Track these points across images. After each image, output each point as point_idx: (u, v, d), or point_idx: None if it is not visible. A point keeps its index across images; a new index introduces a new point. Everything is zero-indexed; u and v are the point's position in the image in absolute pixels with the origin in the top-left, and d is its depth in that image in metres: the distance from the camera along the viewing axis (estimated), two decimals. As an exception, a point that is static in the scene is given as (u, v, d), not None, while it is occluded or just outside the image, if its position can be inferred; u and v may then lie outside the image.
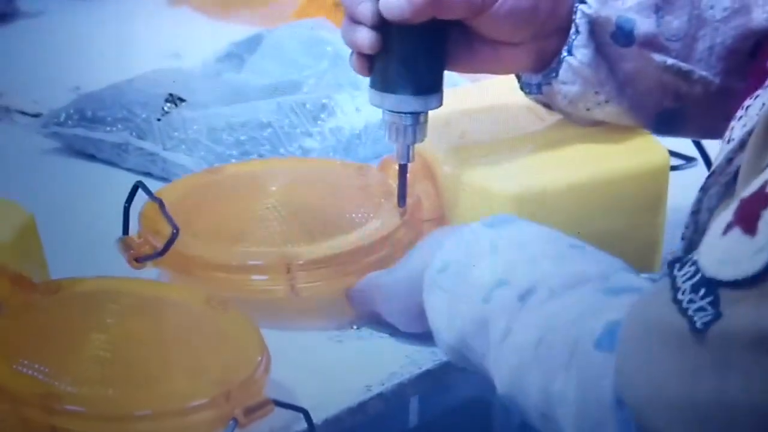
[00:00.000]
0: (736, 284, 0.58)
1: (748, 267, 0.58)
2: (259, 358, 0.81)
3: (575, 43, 0.93)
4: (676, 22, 0.92)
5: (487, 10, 0.90)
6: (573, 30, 0.93)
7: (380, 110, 1.10)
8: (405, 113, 0.92)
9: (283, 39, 1.28)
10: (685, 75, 0.93)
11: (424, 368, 0.89)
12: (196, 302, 0.87)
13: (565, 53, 0.93)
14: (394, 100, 0.92)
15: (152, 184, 1.17)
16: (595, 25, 0.92)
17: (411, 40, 0.91)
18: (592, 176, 0.97)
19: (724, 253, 0.60)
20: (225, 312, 0.86)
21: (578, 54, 0.93)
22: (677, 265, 0.64)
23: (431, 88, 0.93)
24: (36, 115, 1.30)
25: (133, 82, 1.25)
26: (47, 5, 1.66)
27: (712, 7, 0.92)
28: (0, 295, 0.84)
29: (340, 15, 1.42)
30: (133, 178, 1.18)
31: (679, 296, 0.61)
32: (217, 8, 1.63)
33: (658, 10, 0.92)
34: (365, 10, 0.89)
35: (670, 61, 0.93)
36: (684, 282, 0.61)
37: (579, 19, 0.92)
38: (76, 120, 1.21)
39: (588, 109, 0.96)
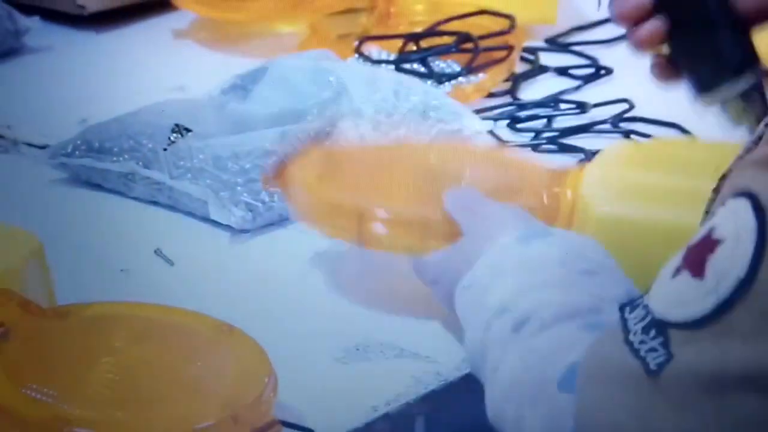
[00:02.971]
0: (685, 325, 0.60)
1: (698, 309, 0.59)
2: (267, 380, 0.81)
3: None
4: None
5: None
6: None
7: (382, 138, 1.11)
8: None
9: (287, 69, 1.29)
10: None
11: (429, 389, 0.89)
12: (203, 326, 0.88)
13: None
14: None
15: (159, 213, 1.19)
16: None
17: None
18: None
19: (673, 295, 0.61)
20: (232, 335, 0.86)
21: None
22: (628, 308, 0.65)
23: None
24: (43, 147, 1.31)
25: (139, 113, 1.26)
26: (54, 41, 1.67)
27: None
28: (8, 321, 0.84)
29: (343, 47, 1.45)
30: (140, 207, 1.20)
31: (631, 337, 0.63)
32: (222, 42, 1.64)
33: None
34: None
35: None
36: (635, 324, 0.63)
37: None
38: (83, 151, 1.22)
39: None
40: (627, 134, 1.32)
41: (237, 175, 1.15)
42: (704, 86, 0.91)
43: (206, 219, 1.15)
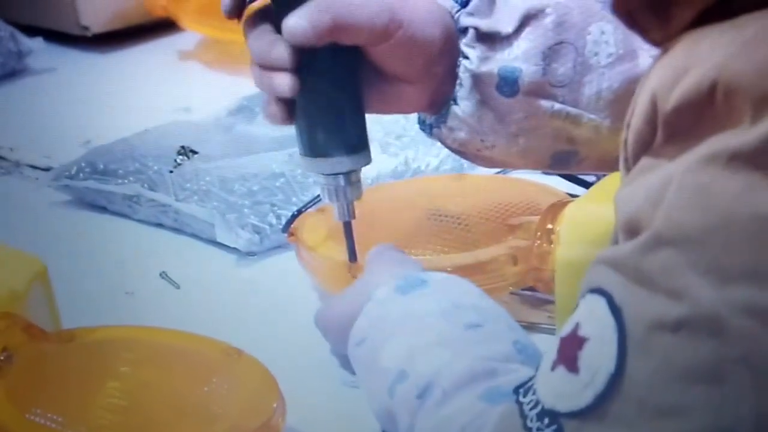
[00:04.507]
0: (573, 415, 0.63)
1: (580, 401, 0.63)
2: (275, 405, 0.81)
3: (459, 94, 0.93)
4: (561, 68, 0.92)
5: (389, 39, 0.89)
6: (458, 81, 0.93)
7: (390, 159, 1.10)
8: (339, 174, 0.92)
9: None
10: (575, 119, 0.93)
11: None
12: (210, 350, 0.87)
13: (452, 102, 0.94)
14: (327, 164, 0.92)
15: (164, 235, 1.18)
16: (478, 80, 0.92)
17: (329, 96, 0.90)
18: None
19: (555, 388, 0.65)
20: (240, 359, 0.85)
21: (462, 105, 0.93)
22: (521, 392, 0.68)
23: (360, 145, 0.93)
24: (47, 169, 1.31)
25: (145, 135, 1.26)
26: (58, 62, 1.67)
27: (596, 54, 0.92)
28: (12, 345, 0.83)
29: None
30: (145, 229, 1.19)
31: (529, 424, 0.65)
32: (228, 63, 1.64)
33: (545, 57, 0.92)
34: (280, 52, 0.88)
35: (557, 106, 0.93)
36: (530, 410, 0.66)
37: (462, 74, 0.92)
38: (87, 173, 1.22)
39: (478, 150, 0.96)
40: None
41: (244, 197, 1.14)
42: (313, 151, 0.91)
43: (212, 241, 1.14)
